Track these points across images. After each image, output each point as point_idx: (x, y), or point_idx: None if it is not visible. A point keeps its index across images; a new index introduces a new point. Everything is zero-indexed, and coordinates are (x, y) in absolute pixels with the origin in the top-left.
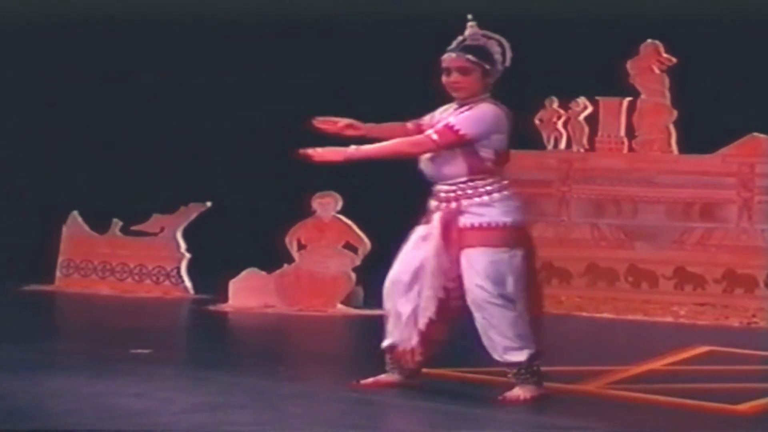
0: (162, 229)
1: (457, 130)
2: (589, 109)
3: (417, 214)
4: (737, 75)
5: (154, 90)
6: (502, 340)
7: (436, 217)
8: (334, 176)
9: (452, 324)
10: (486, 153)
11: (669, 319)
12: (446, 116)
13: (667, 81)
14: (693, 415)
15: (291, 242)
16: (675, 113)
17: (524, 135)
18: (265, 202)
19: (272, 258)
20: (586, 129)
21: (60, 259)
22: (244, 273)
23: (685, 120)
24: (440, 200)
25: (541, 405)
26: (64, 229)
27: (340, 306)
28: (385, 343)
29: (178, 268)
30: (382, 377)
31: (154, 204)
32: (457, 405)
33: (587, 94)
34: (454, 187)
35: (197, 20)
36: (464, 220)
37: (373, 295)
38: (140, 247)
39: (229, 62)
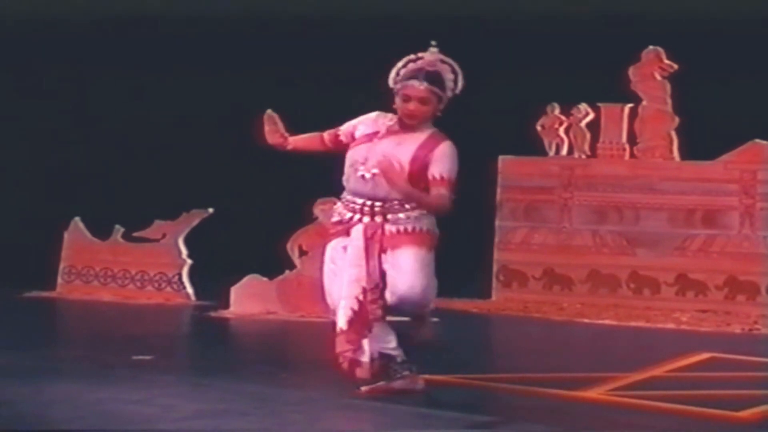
0: (164, 236)
1: (454, 180)
2: (591, 116)
3: None
4: (739, 81)
5: (156, 96)
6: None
7: (359, 229)
8: (335, 182)
9: (363, 335)
10: (424, 182)
11: (671, 325)
12: (387, 136)
13: (668, 87)
14: (695, 422)
15: (292, 248)
16: (677, 120)
17: (526, 141)
18: (267, 209)
19: (274, 264)
20: (588, 135)
21: (62, 265)
22: (245, 279)
23: (687, 126)
24: (363, 213)
25: (543, 412)
26: (66, 236)
27: None
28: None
29: (180, 275)
30: (382, 384)
31: (155, 210)
32: (459, 412)
33: (589, 101)
34: (382, 203)
35: (199, 26)
36: (389, 228)
37: None
38: (142, 254)
39: (233, 68)
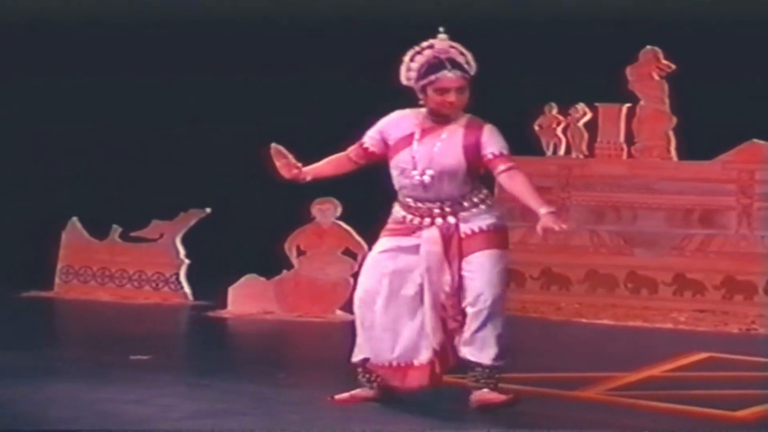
0: (161, 236)
1: (509, 154)
2: (589, 116)
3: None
4: (737, 81)
5: (153, 95)
6: (498, 343)
7: (433, 233)
8: (333, 183)
9: (451, 344)
10: (481, 170)
11: (669, 325)
12: (425, 135)
13: (666, 87)
14: (692, 422)
15: (290, 248)
16: (674, 120)
17: (524, 141)
18: (265, 208)
19: (271, 264)
20: (586, 135)
21: (59, 265)
22: (243, 279)
23: (685, 126)
24: (433, 216)
25: (541, 412)
26: (64, 236)
27: (339, 312)
28: (358, 358)
29: (177, 275)
30: (358, 392)
31: (153, 210)
32: (458, 412)
33: (587, 101)
34: (450, 204)
35: (197, 24)
36: (465, 228)
37: None
38: (139, 254)
39: (229, 67)
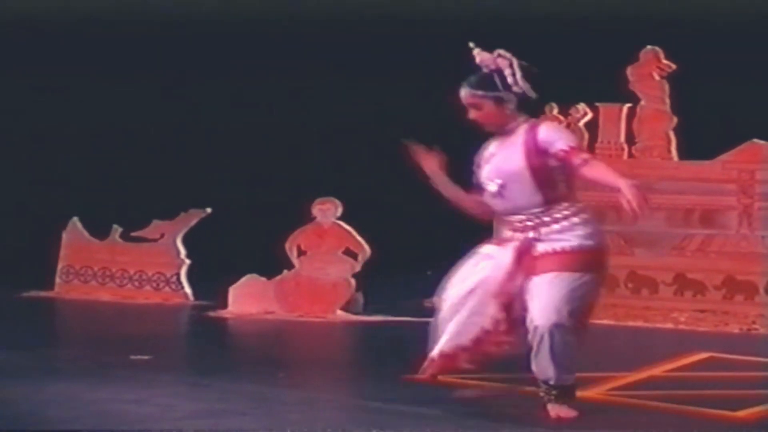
0: (162, 236)
1: (579, 145)
2: (589, 116)
3: (415, 218)
4: (737, 81)
5: (154, 95)
6: (559, 363)
7: (511, 247)
8: (334, 182)
9: (482, 357)
10: (559, 176)
11: (669, 325)
12: (498, 151)
13: (667, 87)
14: (693, 422)
15: (291, 248)
16: (675, 119)
17: None
18: (265, 209)
19: (272, 264)
20: (586, 135)
21: (60, 265)
22: (244, 279)
23: (685, 126)
24: (516, 230)
25: (542, 412)
26: (64, 235)
27: (339, 312)
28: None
29: (178, 275)
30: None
31: (153, 210)
32: (459, 412)
33: (587, 101)
34: (531, 216)
35: (197, 25)
36: (540, 248)
37: (373, 301)
38: (140, 254)
39: (229, 67)
